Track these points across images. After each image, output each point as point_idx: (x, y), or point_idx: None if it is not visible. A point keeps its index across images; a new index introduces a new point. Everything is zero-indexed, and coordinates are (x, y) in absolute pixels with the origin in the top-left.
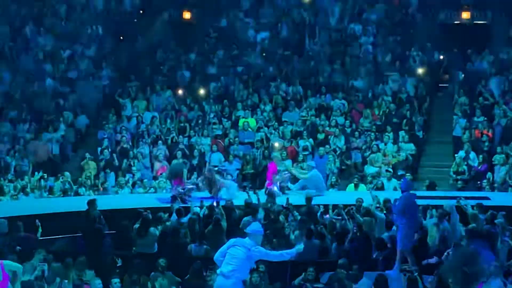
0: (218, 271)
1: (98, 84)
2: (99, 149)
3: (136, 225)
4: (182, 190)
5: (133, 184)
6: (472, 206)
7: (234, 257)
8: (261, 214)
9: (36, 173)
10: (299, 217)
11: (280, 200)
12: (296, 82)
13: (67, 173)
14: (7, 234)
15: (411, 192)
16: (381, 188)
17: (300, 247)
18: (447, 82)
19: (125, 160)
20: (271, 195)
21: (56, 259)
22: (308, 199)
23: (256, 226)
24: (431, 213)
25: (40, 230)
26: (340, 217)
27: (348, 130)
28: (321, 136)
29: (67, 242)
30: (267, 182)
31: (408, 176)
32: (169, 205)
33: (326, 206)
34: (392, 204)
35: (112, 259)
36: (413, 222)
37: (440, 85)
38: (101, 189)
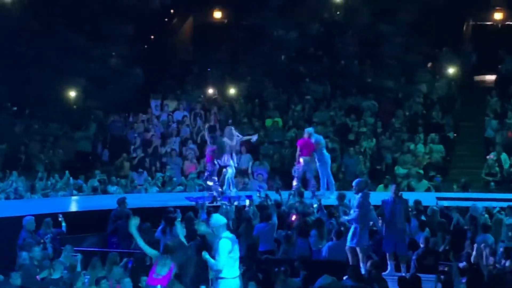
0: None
1: (129, 83)
2: (131, 148)
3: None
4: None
5: (163, 183)
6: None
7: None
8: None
9: (66, 171)
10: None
11: (310, 201)
12: (326, 82)
13: (97, 172)
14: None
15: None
16: (412, 189)
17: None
18: (479, 83)
19: (156, 159)
20: (300, 195)
21: (85, 257)
22: (341, 197)
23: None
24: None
25: (64, 224)
26: None
27: (379, 130)
28: (351, 137)
29: (97, 240)
30: (297, 159)
31: (439, 177)
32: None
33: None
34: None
35: (141, 257)
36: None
37: (471, 86)
38: (130, 187)
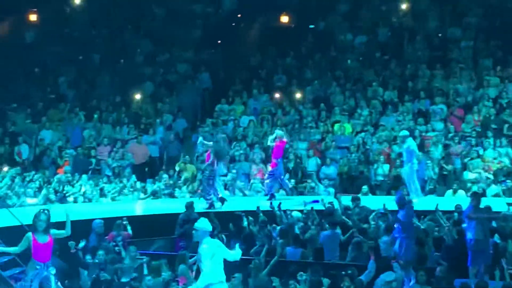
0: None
1: (196, 87)
2: (197, 152)
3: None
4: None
5: (225, 187)
6: None
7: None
8: None
9: (133, 175)
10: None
11: (373, 205)
12: (393, 86)
13: (165, 176)
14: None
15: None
16: (482, 194)
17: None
18: None
19: (221, 163)
20: (355, 199)
21: (152, 260)
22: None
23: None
24: None
25: (129, 228)
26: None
27: (449, 135)
28: (417, 142)
29: (165, 243)
30: (271, 162)
31: (509, 182)
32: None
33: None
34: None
35: None
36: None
37: None
38: (198, 191)
